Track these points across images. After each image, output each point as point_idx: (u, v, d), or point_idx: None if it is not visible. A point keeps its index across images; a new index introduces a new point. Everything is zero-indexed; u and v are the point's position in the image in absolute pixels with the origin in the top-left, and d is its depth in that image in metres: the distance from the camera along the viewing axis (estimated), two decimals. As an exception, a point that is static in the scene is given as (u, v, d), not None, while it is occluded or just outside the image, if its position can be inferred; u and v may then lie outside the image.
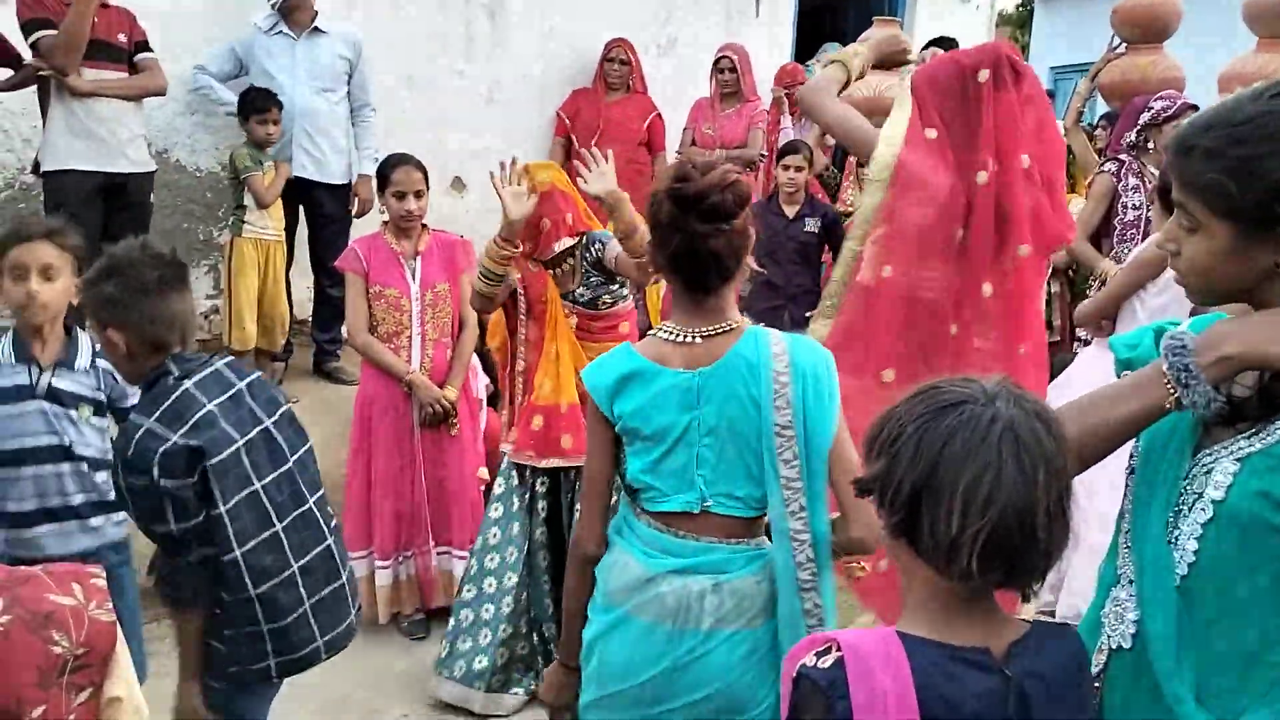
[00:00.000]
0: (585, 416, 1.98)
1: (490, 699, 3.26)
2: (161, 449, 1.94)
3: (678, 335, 1.85)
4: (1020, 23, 17.42)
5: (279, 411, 2.19)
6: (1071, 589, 3.63)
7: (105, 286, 2.01)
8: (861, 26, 6.96)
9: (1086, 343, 4.65)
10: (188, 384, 2.03)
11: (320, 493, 2.24)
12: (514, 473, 3.32)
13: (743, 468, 1.83)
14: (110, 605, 1.37)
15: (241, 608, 2.08)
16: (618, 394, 1.86)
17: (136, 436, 1.96)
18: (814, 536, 1.80)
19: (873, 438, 1.22)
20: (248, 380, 2.17)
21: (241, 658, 2.11)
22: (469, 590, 3.32)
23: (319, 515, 2.21)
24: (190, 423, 1.99)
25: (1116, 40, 5.40)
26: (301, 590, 2.14)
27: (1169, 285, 3.50)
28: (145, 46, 4.27)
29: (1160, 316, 3.50)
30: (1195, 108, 4.31)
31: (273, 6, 4.75)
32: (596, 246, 3.27)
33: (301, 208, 4.96)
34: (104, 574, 1.40)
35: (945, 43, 7.74)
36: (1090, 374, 3.70)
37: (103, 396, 2.51)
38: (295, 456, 2.18)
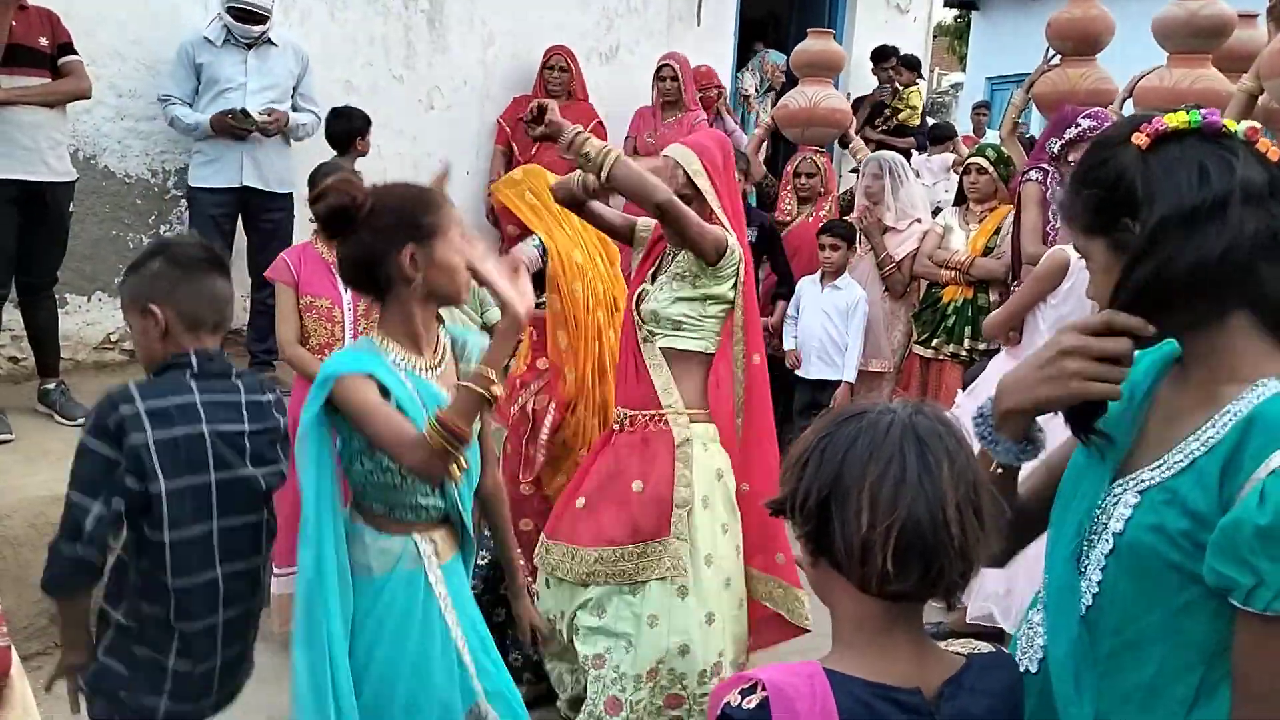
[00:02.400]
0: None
1: None
2: (124, 415, 1.91)
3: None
4: (957, 34, 17.70)
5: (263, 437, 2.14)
6: (984, 592, 3.66)
7: (152, 264, 2.02)
8: (801, 36, 7.02)
9: (995, 351, 4.72)
10: (194, 385, 2.01)
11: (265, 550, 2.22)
12: None
13: None
14: (5, 630, 1.31)
15: (157, 628, 2.01)
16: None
17: (122, 411, 1.91)
18: None
19: (788, 465, 1.22)
20: (252, 399, 2.12)
21: (136, 685, 2.02)
22: None
23: (247, 578, 2.16)
24: (169, 435, 1.94)
25: (1051, 52, 5.49)
26: (218, 639, 2.09)
27: (1068, 296, 3.58)
28: (69, 49, 4.12)
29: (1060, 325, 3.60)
30: None
31: (222, 12, 4.61)
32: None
33: (241, 217, 4.84)
34: None
35: (890, 53, 7.85)
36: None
37: None
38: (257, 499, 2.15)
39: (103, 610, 2.07)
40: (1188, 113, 1.21)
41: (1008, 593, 3.56)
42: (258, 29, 4.64)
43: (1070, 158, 4.36)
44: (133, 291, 2.04)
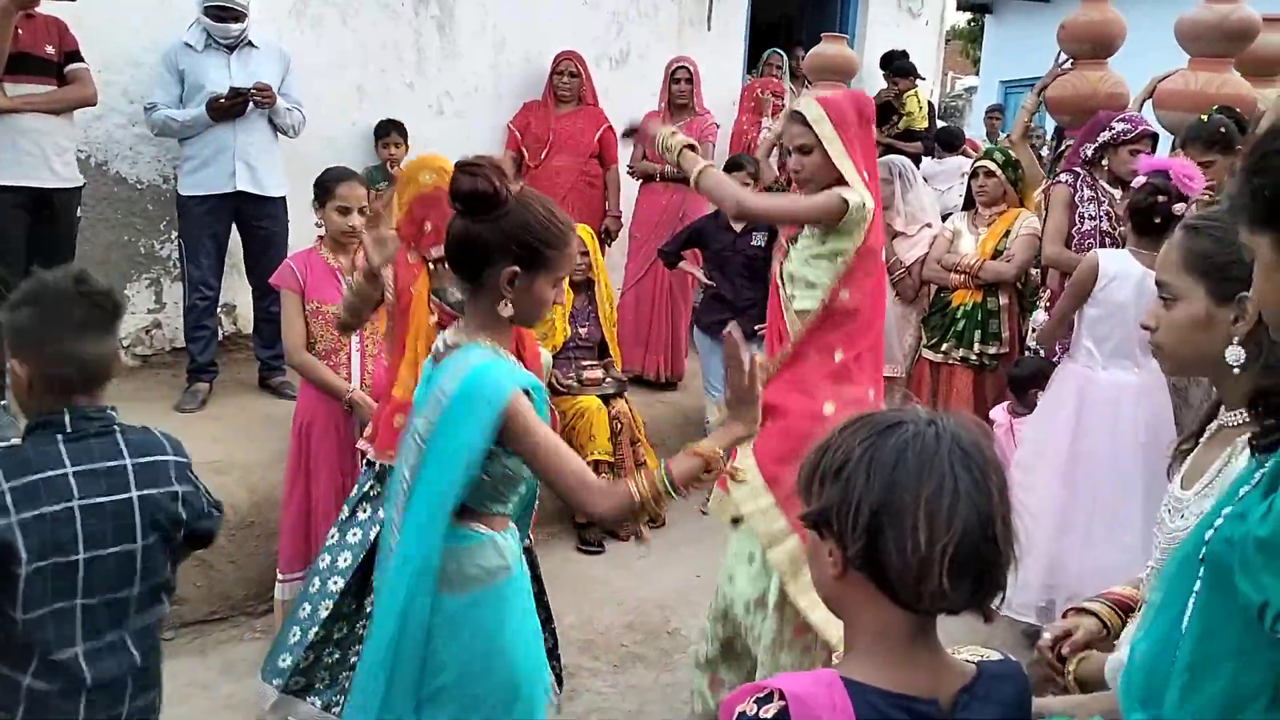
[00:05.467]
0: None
1: (285, 700, 3.01)
2: None
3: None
4: (971, 37, 17.66)
5: (159, 501, 1.96)
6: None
7: (21, 314, 1.86)
8: (813, 41, 7.01)
9: (1004, 355, 4.70)
10: (65, 456, 1.84)
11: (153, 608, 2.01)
12: (371, 474, 3.11)
13: None
14: None
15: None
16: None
17: None
18: (403, 549, 1.97)
19: (811, 472, 1.18)
20: (142, 461, 1.95)
21: None
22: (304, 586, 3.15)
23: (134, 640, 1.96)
24: (36, 513, 1.78)
25: (1063, 56, 5.47)
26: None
27: (1103, 301, 3.62)
28: (76, 56, 4.15)
29: (1096, 327, 3.64)
30: (1155, 136, 4.39)
31: (200, 15, 4.59)
32: None
33: (235, 223, 4.81)
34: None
35: (899, 57, 7.83)
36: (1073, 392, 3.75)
37: None
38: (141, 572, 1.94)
39: None
40: None
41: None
42: (236, 28, 4.60)
43: (1104, 161, 4.37)
44: (4, 330, 1.88)
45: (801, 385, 2.88)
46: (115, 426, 1.94)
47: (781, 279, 2.98)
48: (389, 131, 5.50)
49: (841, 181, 2.82)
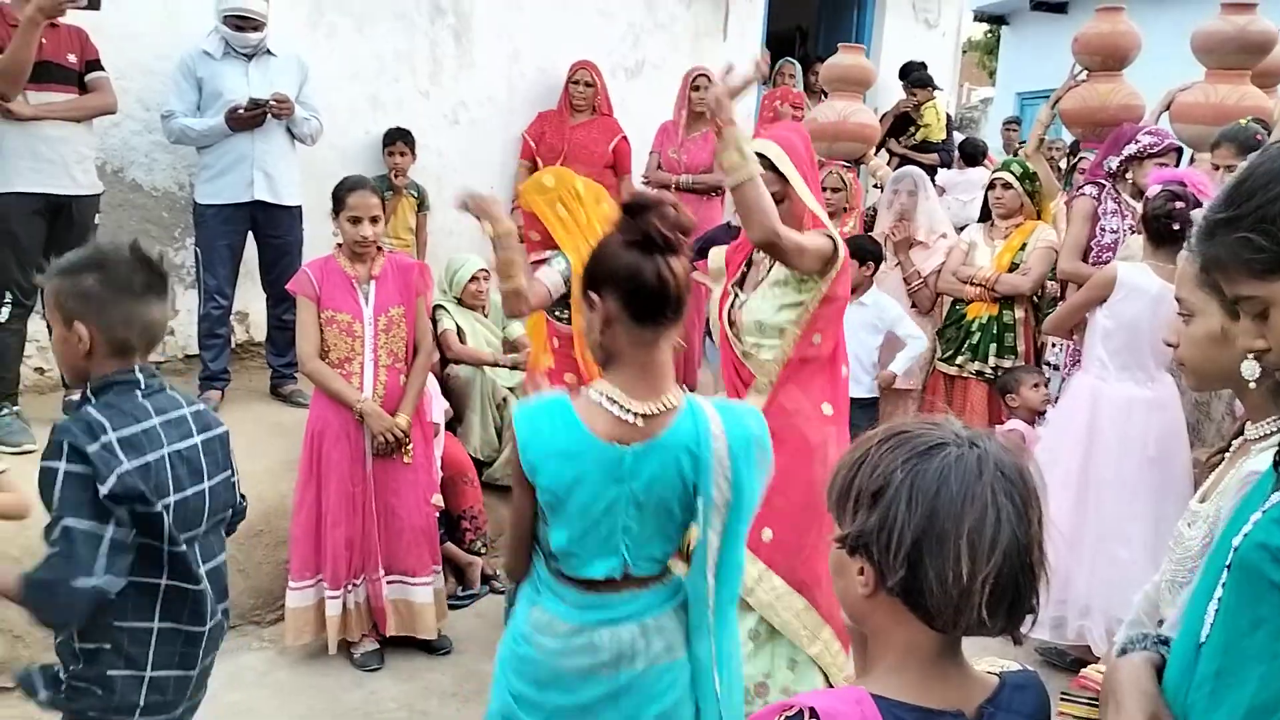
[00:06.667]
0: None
1: None
2: (119, 472, 1.87)
3: (620, 411, 1.82)
4: (987, 49, 17.63)
5: (214, 444, 2.15)
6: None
7: (85, 279, 1.90)
8: (829, 50, 7.00)
9: (1055, 367, 4.68)
10: (149, 406, 1.98)
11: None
12: None
13: (663, 532, 1.89)
14: None
15: (137, 642, 2.00)
16: (543, 467, 1.84)
17: (101, 440, 1.87)
18: (720, 589, 1.90)
19: (845, 491, 1.15)
20: (194, 410, 2.11)
21: (110, 706, 2.00)
22: None
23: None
24: (141, 462, 1.92)
25: (1078, 68, 5.45)
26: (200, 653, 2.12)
27: (1117, 314, 3.63)
28: (96, 65, 4.17)
29: (1110, 339, 3.64)
30: (1180, 150, 4.38)
31: (219, 23, 4.61)
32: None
33: (251, 231, 4.82)
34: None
35: (918, 68, 7.81)
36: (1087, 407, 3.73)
37: None
38: (212, 508, 2.13)
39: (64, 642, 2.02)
40: None
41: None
42: (255, 37, 4.62)
43: (1129, 175, 4.35)
44: (59, 298, 1.93)
45: (799, 449, 2.76)
46: (164, 383, 2.07)
47: (736, 328, 2.88)
48: (395, 140, 5.52)
49: (812, 217, 2.78)
